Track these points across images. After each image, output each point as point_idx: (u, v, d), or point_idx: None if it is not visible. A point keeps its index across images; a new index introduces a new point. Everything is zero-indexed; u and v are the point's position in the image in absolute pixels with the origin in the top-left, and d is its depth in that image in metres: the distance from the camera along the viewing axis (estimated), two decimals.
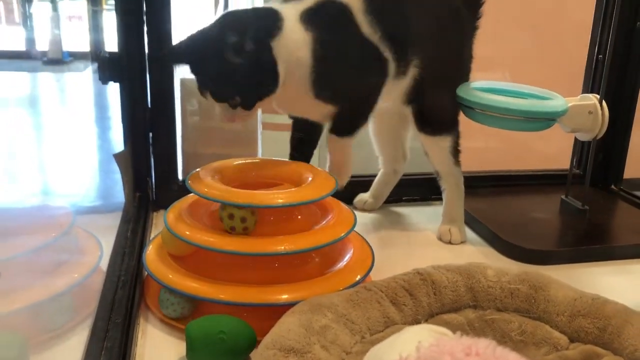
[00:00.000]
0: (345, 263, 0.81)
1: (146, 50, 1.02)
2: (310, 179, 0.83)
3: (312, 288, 0.74)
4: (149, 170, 1.09)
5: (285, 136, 0.97)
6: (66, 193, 1.38)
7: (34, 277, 0.76)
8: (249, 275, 0.77)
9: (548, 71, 1.41)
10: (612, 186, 1.29)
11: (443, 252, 1.01)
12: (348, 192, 1.16)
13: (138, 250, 0.87)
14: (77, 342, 0.69)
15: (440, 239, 1.05)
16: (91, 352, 0.63)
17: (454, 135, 1.02)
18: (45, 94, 3.74)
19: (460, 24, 1.01)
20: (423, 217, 1.16)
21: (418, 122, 1.01)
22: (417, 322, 0.70)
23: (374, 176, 1.16)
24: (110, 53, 1.02)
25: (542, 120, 0.96)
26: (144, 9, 1.00)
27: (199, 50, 0.85)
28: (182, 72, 0.95)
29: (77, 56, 4.45)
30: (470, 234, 1.08)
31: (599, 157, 1.26)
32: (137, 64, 1.02)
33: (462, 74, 1.03)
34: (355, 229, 0.82)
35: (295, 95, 0.89)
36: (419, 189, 1.22)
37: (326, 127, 0.96)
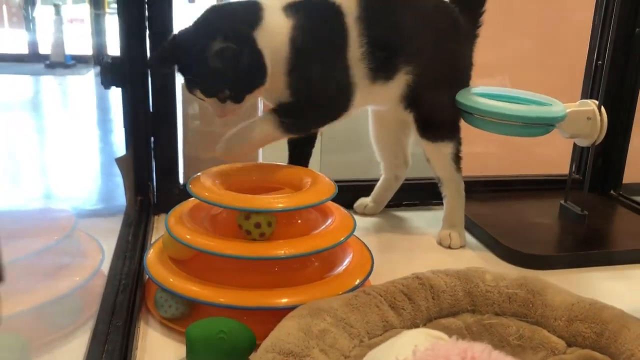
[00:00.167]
0: (344, 267, 0.82)
1: (148, 55, 1.03)
2: (310, 183, 0.84)
3: (312, 292, 0.74)
4: (150, 174, 1.10)
5: (285, 141, 0.98)
6: (68, 196, 1.39)
7: (36, 280, 0.77)
8: (249, 279, 0.78)
9: (547, 77, 1.41)
10: (612, 191, 1.30)
11: (443, 257, 1.02)
12: (349, 197, 1.17)
13: (139, 254, 0.88)
14: (79, 344, 0.69)
15: (440, 243, 1.06)
16: (92, 355, 0.64)
17: (455, 142, 1.02)
18: (47, 97, 3.74)
19: (458, 34, 1.01)
20: (423, 221, 1.16)
21: (419, 129, 1.01)
22: (415, 326, 0.70)
23: (376, 181, 1.17)
24: (113, 58, 1.03)
25: (541, 126, 0.97)
26: (146, 13, 1.01)
27: (184, 50, 0.85)
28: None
29: (79, 59, 4.46)
30: (469, 238, 1.08)
31: (598, 162, 1.27)
32: (139, 69, 1.03)
33: (461, 81, 1.03)
34: (355, 233, 0.83)
35: (279, 84, 0.88)
36: (419, 193, 1.22)
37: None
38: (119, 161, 1.03)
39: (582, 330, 0.68)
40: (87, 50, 4.54)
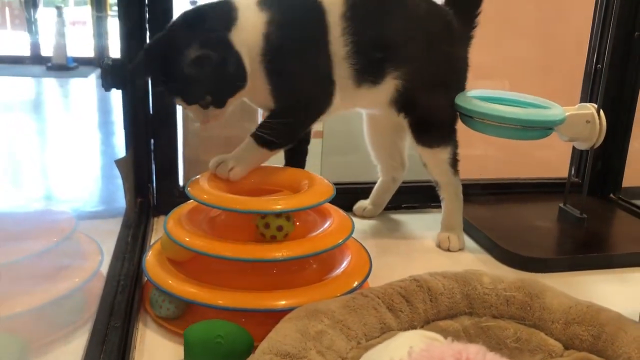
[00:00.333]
0: (342, 269, 0.82)
1: None
2: (308, 185, 0.84)
3: (310, 294, 0.74)
4: (150, 175, 1.10)
5: None
6: (69, 198, 1.39)
7: (36, 281, 0.77)
8: (248, 281, 0.79)
9: (547, 80, 1.42)
10: (611, 195, 1.30)
11: (442, 260, 1.02)
12: (350, 199, 1.17)
13: (138, 255, 0.88)
14: (77, 345, 0.69)
15: (439, 246, 1.06)
16: (90, 355, 0.64)
17: (452, 147, 1.02)
18: (49, 100, 3.75)
19: (451, 38, 1.00)
20: (422, 224, 1.16)
21: (415, 135, 1.01)
22: (413, 328, 0.70)
23: (374, 183, 1.17)
24: (113, 60, 1.03)
25: (540, 129, 0.97)
26: (146, 15, 1.01)
27: (160, 60, 0.83)
28: None
29: (81, 62, 4.47)
30: (468, 241, 1.08)
31: (598, 166, 1.27)
32: None
33: (457, 84, 1.02)
34: (353, 235, 0.83)
35: (260, 84, 0.87)
36: (418, 196, 1.22)
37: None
38: (119, 163, 1.04)
39: (580, 333, 0.68)
40: (89, 52, 4.56)
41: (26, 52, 4.69)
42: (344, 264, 0.83)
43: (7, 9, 5.72)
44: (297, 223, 0.84)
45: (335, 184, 0.86)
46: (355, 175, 1.27)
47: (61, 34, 4.46)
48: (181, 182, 1.12)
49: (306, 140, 0.98)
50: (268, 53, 0.85)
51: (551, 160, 1.34)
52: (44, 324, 0.74)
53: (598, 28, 1.16)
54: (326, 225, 0.84)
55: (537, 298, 0.72)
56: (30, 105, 3.29)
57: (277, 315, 0.67)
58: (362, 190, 1.18)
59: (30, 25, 4.72)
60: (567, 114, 1.00)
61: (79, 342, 0.69)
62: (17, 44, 5.13)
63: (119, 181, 1.05)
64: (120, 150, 1.09)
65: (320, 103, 0.91)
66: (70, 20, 4.86)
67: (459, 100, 0.99)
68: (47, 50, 4.52)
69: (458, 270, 0.77)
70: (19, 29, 5.33)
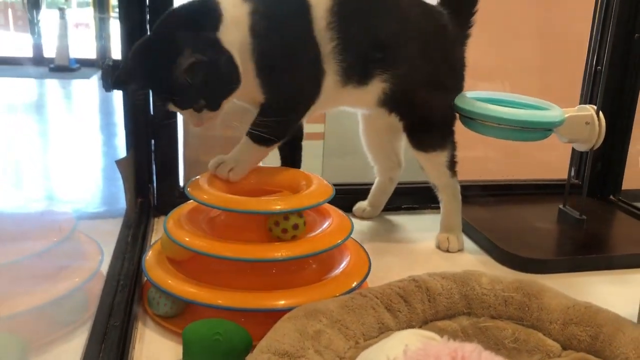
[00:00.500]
0: (342, 269, 0.82)
1: None
2: (308, 185, 0.85)
3: (309, 294, 0.75)
4: (150, 176, 1.10)
5: None
6: (71, 199, 1.39)
7: (37, 281, 0.77)
8: (247, 281, 0.79)
9: (547, 82, 1.42)
10: (611, 196, 1.30)
11: (441, 261, 1.02)
12: (348, 200, 1.17)
13: (138, 255, 0.89)
14: (77, 344, 0.70)
15: (438, 247, 1.06)
16: (90, 354, 0.65)
17: (449, 150, 1.01)
18: (51, 101, 3.76)
19: (445, 40, 0.99)
20: (421, 225, 1.16)
21: (410, 139, 1.00)
22: (411, 328, 0.70)
23: (369, 185, 1.17)
24: (114, 61, 1.04)
25: (539, 131, 0.97)
26: (147, 17, 1.01)
27: (149, 68, 0.81)
28: None
29: (83, 63, 4.48)
30: (468, 242, 1.08)
31: (597, 167, 1.27)
32: None
33: (452, 88, 1.01)
34: (352, 236, 0.83)
35: (249, 79, 0.85)
36: (417, 197, 1.22)
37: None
38: (120, 163, 1.04)
39: (577, 333, 0.68)
40: (92, 54, 4.57)
41: (29, 53, 4.70)
42: (343, 264, 0.83)
43: (10, 10, 5.73)
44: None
45: (336, 184, 0.86)
46: (356, 176, 1.27)
47: (64, 36, 4.47)
48: (181, 183, 1.12)
49: (299, 137, 0.98)
50: (257, 47, 0.84)
51: (551, 161, 1.34)
52: (44, 323, 0.74)
53: (598, 29, 1.16)
54: (325, 225, 0.84)
55: (535, 298, 0.72)
56: (33, 106, 3.30)
57: (276, 315, 0.67)
58: (363, 191, 1.19)
59: (33, 26, 4.73)
60: (566, 115, 1.01)
61: (79, 341, 0.70)
62: (19, 45, 5.15)
63: (120, 182, 1.06)
64: (122, 152, 1.09)
65: (310, 93, 0.90)
66: (72, 21, 4.88)
67: (459, 101, 1.00)
68: (49, 52, 4.53)
69: (457, 271, 0.77)
70: (21, 31, 5.34)
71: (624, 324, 0.67)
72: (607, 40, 1.14)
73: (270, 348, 0.60)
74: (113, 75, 0.86)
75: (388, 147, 1.11)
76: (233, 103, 0.89)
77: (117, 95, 1.07)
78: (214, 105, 0.84)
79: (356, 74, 0.91)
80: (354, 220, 0.88)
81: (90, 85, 4.14)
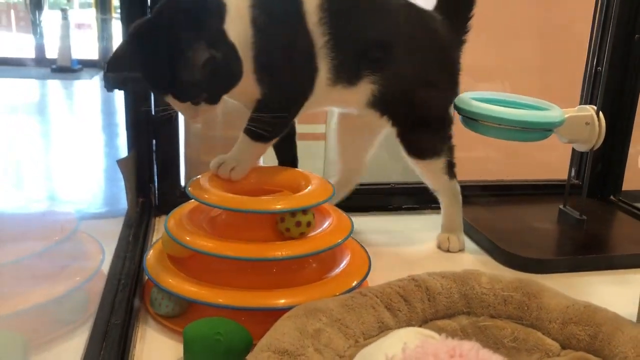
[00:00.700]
0: (342, 269, 0.82)
1: None
2: (308, 185, 0.85)
3: (310, 293, 0.75)
4: (152, 176, 1.11)
5: None
6: (73, 199, 1.40)
7: (38, 280, 0.78)
8: (248, 280, 0.79)
9: (547, 82, 1.42)
10: (611, 196, 1.30)
11: (441, 261, 1.02)
12: (348, 200, 1.17)
13: (139, 254, 0.89)
14: (78, 342, 0.70)
15: (439, 247, 1.06)
16: (91, 353, 0.65)
17: (445, 155, 1.00)
18: (53, 102, 3.77)
19: (436, 45, 0.98)
20: (422, 225, 1.17)
21: (405, 146, 0.99)
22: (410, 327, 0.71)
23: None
24: None
25: (539, 131, 0.98)
26: None
27: (151, 56, 0.77)
28: None
29: (86, 64, 4.49)
30: (468, 242, 1.08)
31: (598, 168, 1.27)
32: None
33: (446, 93, 1.00)
34: (353, 235, 0.84)
35: (247, 73, 0.83)
36: (418, 197, 1.22)
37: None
38: (121, 163, 1.04)
39: (577, 332, 0.68)
40: (94, 55, 4.58)
41: (31, 54, 4.71)
42: (343, 264, 0.83)
43: (12, 11, 5.75)
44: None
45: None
46: None
47: (66, 37, 4.48)
48: (182, 182, 1.13)
49: (292, 133, 0.97)
50: (257, 41, 0.82)
51: (551, 162, 1.34)
52: (46, 321, 0.75)
53: (598, 30, 1.16)
54: (325, 225, 0.84)
55: (535, 298, 0.72)
56: (35, 107, 3.31)
57: (277, 313, 0.67)
58: (363, 191, 1.19)
59: (35, 27, 4.74)
60: (566, 115, 1.01)
61: (80, 340, 0.70)
62: (22, 46, 5.16)
63: (122, 182, 1.06)
64: (124, 152, 1.10)
65: (305, 88, 0.89)
66: (75, 22, 4.89)
67: (458, 101, 1.00)
68: (51, 53, 4.54)
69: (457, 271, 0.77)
70: (24, 32, 5.35)
71: (622, 323, 0.67)
72: (607, 40, 1.14)
73: (270, 346, 0.60)
74: (111, 61, 0.81)
75: (357, 151, 1.08)
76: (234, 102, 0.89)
77: (119, 96, 1.07)
78: (214, 99, 0.82)
79: (346, 73, 0.90)
80: (354, 218, 0.88)
81: (92, 86, 4.16)
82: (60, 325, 0.74)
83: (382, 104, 0.95)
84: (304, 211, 0.79)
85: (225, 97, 0.85)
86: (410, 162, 1.00)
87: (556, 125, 0.98)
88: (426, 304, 0.72)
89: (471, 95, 1.01)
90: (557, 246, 1.12)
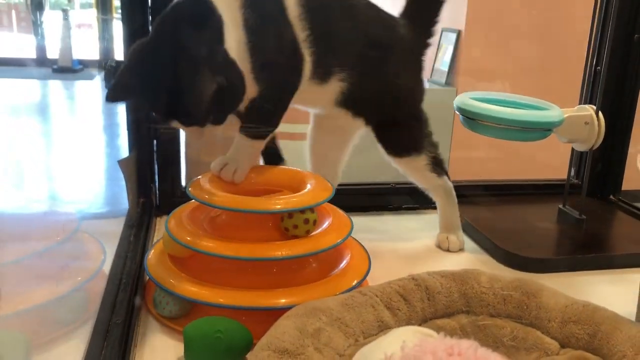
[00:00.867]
0: (342, 268, 0.83)
1: None
2: (308, 185, 0.85)
3: (310, 292, 0.75)
4: (153, 176, 1.11)
5: (286, 144, 0.99)
6: (75, 199, 1.40)
7: (39, 280, 0.78)
8: (248, 279, 0.79)
9: (546, 82, 1.42)
10: (611, 196, 1.30)
11: (441, 260, 1.02)
12: (349, 200, 1.17)
13: (140, 254, 0.89)
14: (80, 342, 0.70)
15: (438, 246, 1.06)
16: (92, 352, 0.65)
17: (426, 152, 0.99)
18: (54, 102, 3.77)
19: (399, 49, 0.97)
20: (422, 224, 1.17)
21: (382, 145, 0.99)
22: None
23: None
24: (117, 62, 1.04)
25: (538, 131, 0.98)
26: (149, 19, 1.02)
27: (153, 84, 0.77)
28: None
29: (87, 64, 4.49)
30: (468, 242, 1.08)
31: (597, 167, 1.27)
32: None
33: (411, 92, 1.00)
34: (352, 235, 0.84)
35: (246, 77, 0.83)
36: (418, 197, 1.22)
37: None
38: (122, 163, 1.05)
39: (576, 331, 0.69)
40: (95, 55, 4.57)
41: (32, 54, 4.71)
42: (343, 263, 0.84)
43: (13, 11, 5.75)
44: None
45: (339, 185, 0.86)
46: (357, 176, 1.27)
47: (67, 37, 4.48)
48: (183, 183, 1.13)
49: (275, 143, 0.97)
50: (251, 43, 0.81)
51: (551, 161, 1.34)
52: (47, 321, 0.75)
53: (597, 30, 1.16)
54: (325, 224, 0.84)
55: (534, 297, 0.72)
56: (36, 107, 3.31)
57: (277, 313, 0.68)
58: (364, 190, 1.19)
59: (36, 27, 4.73)
60: (565, 115, 1.01)
61: (81, 339, 0.70)
62: (23, 46, 5.16)
63: (123, 183, 1.06)
64: (125, 152, 1.10)
65: (294, 79, 0.88)
66: (76, 22, 4.88)
67: (458, 101, 1.00)
68: (52, 53, 4.54)
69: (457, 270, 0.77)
70: (24, 32, 5.35)
71: (621, 322, 0.67)
72: (607, 40, 1.14)
73: (270, 345, 0.60)
74: (112, 90, 0.78)
75: (330, 157, 1.07)
76: None
77: None
78: (220, 120, 0.83)
79: (320, 69, 0.90)
80: (354, 219, 0.88)
81: (93, 86, 4.16)
82: (61, 325, 0.74)
83: (351, 103, 0.95)
84: (312, 209, 0.79)
85: None
86: (391, 161, 1.00)
87: (555, 125, 0.98)
88: (426, 303, 0.73)
89: (471, 95, 1.01)
90: (556, 246, 1.13)
